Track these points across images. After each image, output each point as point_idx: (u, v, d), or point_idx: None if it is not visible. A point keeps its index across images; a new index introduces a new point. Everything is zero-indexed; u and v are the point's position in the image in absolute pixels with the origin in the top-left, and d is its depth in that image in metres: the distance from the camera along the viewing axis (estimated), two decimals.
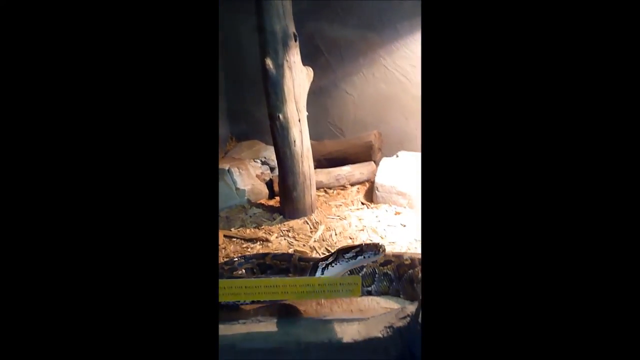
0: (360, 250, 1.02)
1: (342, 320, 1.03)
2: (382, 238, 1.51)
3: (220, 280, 1.19)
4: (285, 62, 1.49)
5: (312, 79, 1.62)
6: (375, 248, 1.00)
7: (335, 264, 1.05)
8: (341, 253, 1.05)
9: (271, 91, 1.52)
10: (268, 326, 1.02)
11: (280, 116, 1.53)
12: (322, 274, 1.07)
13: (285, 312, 1.09)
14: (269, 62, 1.48)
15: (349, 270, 1.15)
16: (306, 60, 1.59)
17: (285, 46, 1.48)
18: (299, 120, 1.58)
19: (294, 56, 1.51)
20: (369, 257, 1.01)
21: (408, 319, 0.99)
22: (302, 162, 1.62)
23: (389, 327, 0.99)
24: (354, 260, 1.02)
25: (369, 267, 1.20)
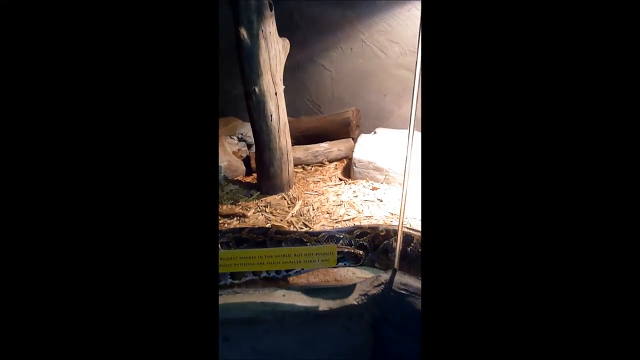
0: (342, 257, 1.04)
1: (318, 290, 1.04)
2: (359, 212, 1.52)
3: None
4: (260, 33, 1.44)
5: (288, 51, 1.58)
6: (355, 258, 1.04)
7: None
8: None
9: (246, 63, 1.47)
10: (244, 297, 1.02)
11: (256, 89, 1.49)
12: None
13: (262, 284, 1.09)
14: (243, 32, 1.42)
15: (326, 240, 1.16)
16: (282, 33, 1.54)
17: (260, 16, 1.42)
18: (276, 94, 1.54)
19: (270, 26, 1.46)
20: (347, 264, 1.06)
21: (382, 286, 1.01)
22: (279, 137, 1.59)
23: (364, 295, 1.01)
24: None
25: (345, 238, 1.21)
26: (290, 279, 1.13)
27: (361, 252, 1.06)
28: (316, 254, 1.00)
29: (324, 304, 1.00)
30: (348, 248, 1.09)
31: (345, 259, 1.04)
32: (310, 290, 1.04)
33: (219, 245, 1.24)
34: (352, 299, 1.00)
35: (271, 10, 1.45)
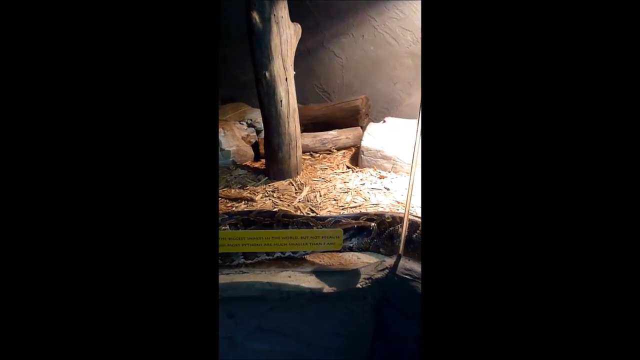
0: (353, 233, 1.05)
1: (322, 272, 1.06)
2: (365, 200, 1.53)
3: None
4: (272, 17, 1.43)
5: (300, 36, 1.58)
6: (367, 229, 1.05)
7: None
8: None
9: (257, 47, 1.47)
10: (251, 277, 1.04)
11: (267, 74, 1.50)
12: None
13: (268, 264, 1.12)
14: (255, 16, 1.42)
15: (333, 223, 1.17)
16: (294, 18, 1.53)
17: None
18: (286, 80, 1.54)
19: (282, 10, 1.46)
20: (359, 239, 1.07)
21: (386, 270, 1.03)
22: (288, 122, 1.60)
23: (368, 279, 1.03)
24: (347, 242, 1.04)
25: (350, 223, 1.22)
26: (296, 261, 1.15)
27: (371, 224, 1.05)
28: (322, 236, 1.02)
29: (328, 286, 1.02)
30: (357, 222, 1.10)
31: (357, 234, 1.04)
32: (316, 273, 1.06)
33: (227, 226, 1.27)
34: (357, 283, 1.02)
35: None
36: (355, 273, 1.04)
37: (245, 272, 1.05)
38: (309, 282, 1.04)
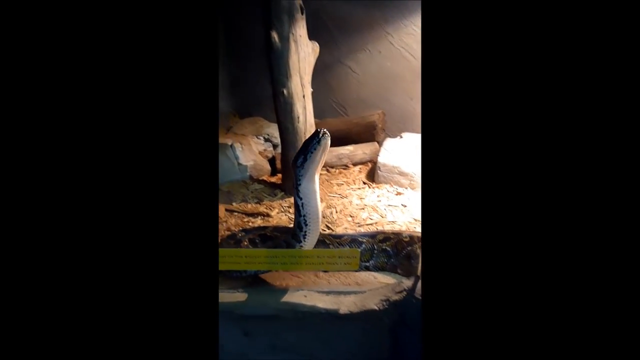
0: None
1: (339, 292, 1.05)
2: (382, 217, 1.52)
3: (221, 249, 1.21)
4: (291, 35, 1.46)
5: (318, 54, 1.60)
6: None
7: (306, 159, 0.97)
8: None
9: (275, 65, 1.50)
10: (266, 295, 1.04)
11: (285, 91, 1.52)
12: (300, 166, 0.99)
13: (284, 283, 1.11)
14: (274, 35, 1.45)
15: (349, 244, 1.17)
16: (310, 34, 1.56)
17: (292, 18, 1.45)
18: (304, 96, 1.56)
19: (300, 29, 1.48)
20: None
21: (404, 292, 1.01)
22: (305, 139, 1.61)
23: (385, 300, 1.01)
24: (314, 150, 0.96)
25: (368, 243, 1.21)
26: (312, 280, 1.14)
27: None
28: (339, 256, 1.01)
29: (344, 307, 1.00)
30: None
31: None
32: (332, 293, 1.05)
33: (248, 242, 1.27)
34: (373, 304, 1.00)
35: (302, 14, 1.47)
36: (372, 294, 1.03)
37: (260, 291, 1.05)
38: (325, 302, 1.02)
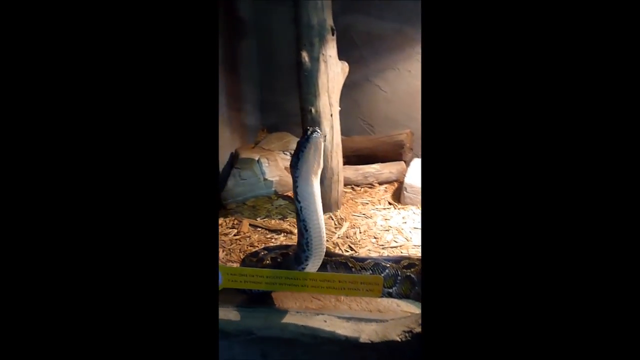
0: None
1: (360, 319, 1.02)
2: (407, 240, 1.48)
3: (244, 267, 1.21)
4: (321, 56, 1.48)
5: (347, 74, 1.61)
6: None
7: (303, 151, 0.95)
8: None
9: (304, 84, 1.51)
10: (286, 317, 1.03)
11: (313, 110, 1.53)
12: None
13: (304, 305, 1.10)
14: (304, 55, 1.47)
15: (371, 269, 1.14)
16: (340, 52, 1.57)
17: (322, 39, 1.47)
18: (331, 115, 1.57)
19: (330, 50, 1.50)
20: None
21: None
22: (331, 157, 1.61)
23: (408, 332, 0.97)
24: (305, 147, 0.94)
25: (392, 268, 1.18)
26: (332, 304, 1.12)
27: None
28: (361, 282, 0.99)
29: (365, 336, 0.97)
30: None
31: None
32: (353, 319, 1.02)
33: (270, 261, 1.27)
34: (395, 335, 0.96)
35: (333, 34, 1.49)
36: (394, 324, 0.99)
37: (281, 312, 1.04)
38: (345, 328, 1.00)
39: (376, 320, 1.02)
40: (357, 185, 1.91)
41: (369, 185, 1.92)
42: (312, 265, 1.04)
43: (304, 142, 0.95)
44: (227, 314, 1.03)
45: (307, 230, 0.99)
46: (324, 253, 1.05)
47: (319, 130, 0.96)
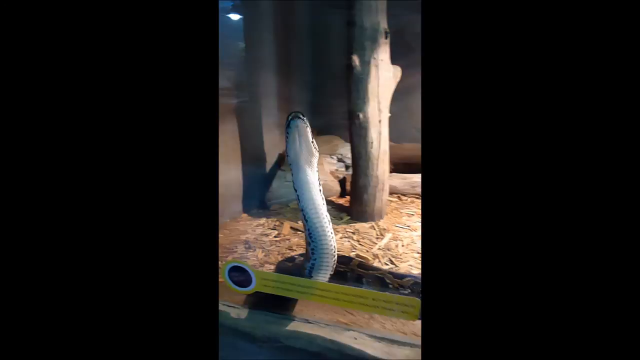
0: None
1: (392, 341, 0.96)
2: None
3: (278, 274, 1.21)
4: (372, 60, 1.43)
5: (399, 79, 1.54)
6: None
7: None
8: None
9: (354, 88, 1.47)
10: (315, 328, 1.00)
11: (360, 115, 1.49)
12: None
13: (335, 318, 1.06)
14: (355, 59, 1.43)
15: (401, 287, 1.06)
16: (394, 56, 1.50)
17: (374, 43, 1.42)
18: (380, 121, 1.51)
19: (383, 54, 1.44)
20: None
21: None
22: (377, 165, 1.55)
23: None
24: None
25: None
26: (364, 320, 1.07)
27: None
28: (397, 303, 0.93)
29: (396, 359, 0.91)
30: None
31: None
32: (385, 339, 0.96)
33: (307, 269, 1.26)
34: None
35: (386, 38, 1.43)
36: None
37: (310, 322, 1.02)
38: (375, 349, 0.94)
39: (410, 345, 0.95)
40: (404, 195, 1.83)
41: (416, 196, 1.82)
42: (320, 260, 1.02)
43: (286, 129, 0.94)
44: (256, 317, 1.03)
45: (307, 220, 1.00)
46: (332, 247, 1.03)
47: (300, 116, 0.92)
